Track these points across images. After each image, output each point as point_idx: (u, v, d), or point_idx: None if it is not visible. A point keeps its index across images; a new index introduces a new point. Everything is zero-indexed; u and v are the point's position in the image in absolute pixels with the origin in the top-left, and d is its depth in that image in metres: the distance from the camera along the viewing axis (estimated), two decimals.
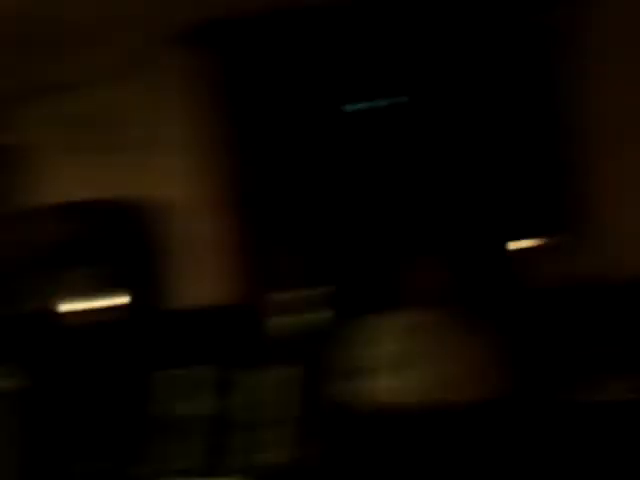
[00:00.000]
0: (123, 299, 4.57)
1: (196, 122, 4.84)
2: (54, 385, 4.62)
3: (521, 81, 4.61)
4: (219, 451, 4.40)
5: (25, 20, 4.16)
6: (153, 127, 4.87)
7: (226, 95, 4.82)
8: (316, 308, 4.30)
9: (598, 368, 4.09)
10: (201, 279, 4.77)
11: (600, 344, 4.22)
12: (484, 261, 4.21)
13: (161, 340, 4.59)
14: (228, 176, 4.81)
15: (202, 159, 4.83)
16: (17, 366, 4.54)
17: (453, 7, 4.57)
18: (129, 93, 4.88)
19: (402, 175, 4.66)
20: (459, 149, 4.61)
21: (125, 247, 4.66)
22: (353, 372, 3.94)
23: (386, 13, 4.61)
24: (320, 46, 4.70)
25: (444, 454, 3.74)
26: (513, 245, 4.56)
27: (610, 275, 4.41)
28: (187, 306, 4.71)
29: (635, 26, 4.42)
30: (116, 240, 4.64)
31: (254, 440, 4.28)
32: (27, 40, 4.42)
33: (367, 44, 4.67)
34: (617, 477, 3.73)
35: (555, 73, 4.58)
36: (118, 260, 4.62)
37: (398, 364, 3.90)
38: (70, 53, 4.66)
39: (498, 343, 3.94)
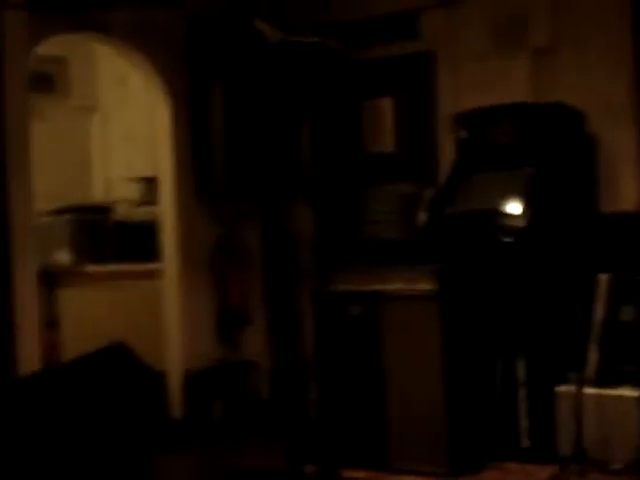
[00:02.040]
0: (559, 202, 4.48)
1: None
2: (471, 289, 4.59)
3: None
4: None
5: None
6: None
7: None
8: None
9: None
10: (625, 184, 4.65)
11: None
12: None
13: (599, 243, 4.48)
14: None
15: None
16: (442, 268, 4.52)
17: None
18: None
19: None
20: None
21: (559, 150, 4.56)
22: None
23: None
24: None
25: None
26: None
27: None
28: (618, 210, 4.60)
29: None
30: (553, 143, 4.53)
31: None
32: None
33: None
34: None
35: None
36: (553, 163, 4.53)
37: None
38: None
39: None
